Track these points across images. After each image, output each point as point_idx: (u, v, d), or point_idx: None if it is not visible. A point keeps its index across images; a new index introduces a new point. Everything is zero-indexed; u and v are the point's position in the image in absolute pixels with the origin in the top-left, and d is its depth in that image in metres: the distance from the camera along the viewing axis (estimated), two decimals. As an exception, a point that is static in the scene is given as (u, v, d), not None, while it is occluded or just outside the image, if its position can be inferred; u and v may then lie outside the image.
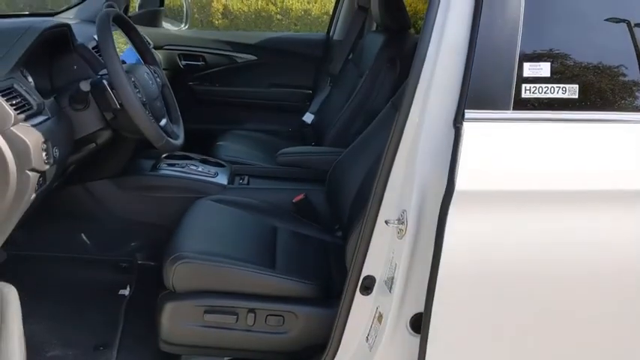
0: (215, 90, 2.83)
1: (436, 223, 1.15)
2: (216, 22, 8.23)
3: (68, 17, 2.46)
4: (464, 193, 1.13)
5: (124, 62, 1.76)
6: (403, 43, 2.29)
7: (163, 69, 2.72)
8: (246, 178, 2.06)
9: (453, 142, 1.15)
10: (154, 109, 1.56)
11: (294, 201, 1.91)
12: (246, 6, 8.23)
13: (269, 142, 2.60)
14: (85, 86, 1.41)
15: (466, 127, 1.15)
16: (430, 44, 1.17)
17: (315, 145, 2.67)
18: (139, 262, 1.91)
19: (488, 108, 1.17)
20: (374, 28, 2.76)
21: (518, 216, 1.17)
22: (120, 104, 1.43)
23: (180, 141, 1.63)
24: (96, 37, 1.80)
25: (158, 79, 1.69)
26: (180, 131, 1.70)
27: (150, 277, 1.73)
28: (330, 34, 2.90)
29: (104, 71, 1.53)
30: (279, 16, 8.18)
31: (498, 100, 1.17)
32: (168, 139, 1.52)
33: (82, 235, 1.91)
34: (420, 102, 1.18)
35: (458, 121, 1.16)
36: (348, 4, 2.78)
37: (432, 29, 1.16)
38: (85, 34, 1.79)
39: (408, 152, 1.21)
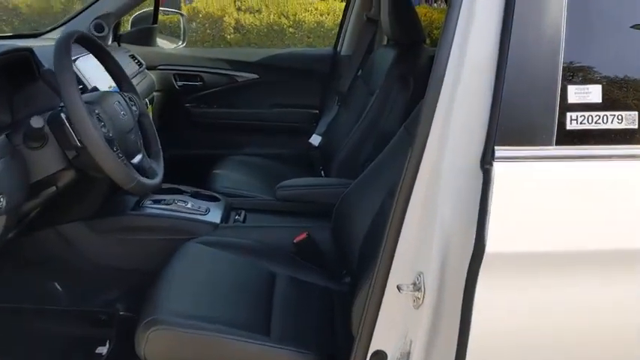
0: (213, 112, 2.61)
1: (462, 292, 0.90)
2: (228, 37, 8.16)
3: (54, 38, 2.29)
4: (497, 255, 0.88)
5: (95, 89, 1.55)
6: (417, 58, 2.06)
7: (157, 90, 2.54)
8: (243, 213, 1.84)
9: (482, 188, 0.90)
10: (126, 144, 1.34)
11: (295, 241, 1.67)
12: (258, 20, 8.15)
13: (272, 168, 2.37)
14: (36, 122, 1.19)
15: (497, 168, 0.90)
16: (449, 61, 0.93)
17: (322, 169, 2.45)
18: (120, 313, 1.69)
19: (524, 143, 0.93)
20: (384, 42, 2.53)
21: (567, 282, 0.92)
22: (81, 141, 1.21)
23: (157, 179, 1.41)
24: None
25: (134, 108, 1.47)
26: (159, 167, 1.48)
27: (132, 331, 1.49)
28: (338, 48, 2.66)
29: None
30: (291, 29, 8.07)
31: (537, 134, 0.93)
32: (142, 179, 1.29)
33: (55, 284, 1.69)
34: (437, 134, 0.94)
35: (486, 160, 0.91)
36: (356, 17, 2.55)
37: (452, 43, 0.93)
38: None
39: (425, 198, 0.96)
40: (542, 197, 0.92)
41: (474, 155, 0.93)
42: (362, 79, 2.37)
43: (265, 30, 8.11)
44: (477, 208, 0.90)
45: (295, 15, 8.12)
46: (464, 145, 0.94)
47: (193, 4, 8.71)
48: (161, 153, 1.54)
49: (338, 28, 2.69)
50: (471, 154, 0.93)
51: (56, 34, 2.29)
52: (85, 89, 1.56)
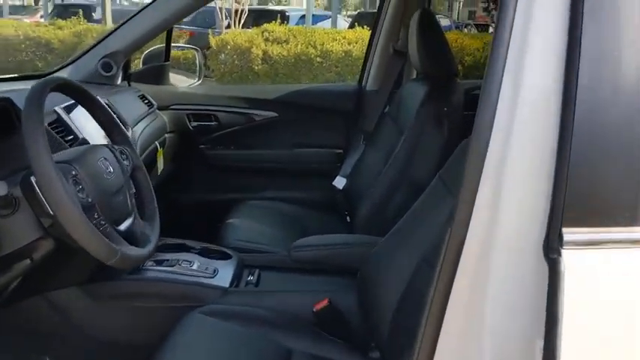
0: (229, 154, 2.43)
1: None
2: (256, 68, 8.17)
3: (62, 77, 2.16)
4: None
5: (84, 142, 1.38)
6: (450, 93, 1.84)
7: (169, 132, 2.37)
8: (257, 272, 1.63)
9: (549, 285, 0.67)
10: (112, 208, 1.15)
11: (315, 310, 1.45)
12: (285, 50, 8.15)
13: (293, 214, 2.17)
14: (0, 188, 1.01)
15: (567, 257, 0.67)
16: (499, 100, 0.70)
17: (348, 214, 2.23)
18: None
19: (603, 223, 0.69)
20: (413, 76, 2.32)
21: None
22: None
23: (147, 249, 1.21)
24: (56, 109, 1.44)
25: (126, 162, 1.28)
26: (153, 232, 1.28)
27: None
28: (363, 83, 2.46)
29: None
30: (319, 59, 8.01)
31: (622, 210, 0.69)
32: (127, 251, 1.09)
33: (46, 358, 1.50)
34: (484, 207, 0.72)
35: (552, 246, 0.68)
36: (382, 49, 2.35)
37: (502, 75, 0.71)
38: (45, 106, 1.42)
39: (469, 295, 0.73)
40: (632, 295, 0.69)
41: (534, 239, 0.70)
42: (390, 117, 2.15)
43: (293, 60, 8.08)
44: (545, 311, 0.67)
45: (323, 45, 8.08)
46: (520, 224, 0.71)
47: (221, 36, 8.75)
48: (157, 214, 1.34)
49: (362, 62, 2.49)
50: (530, 236, 0.70)
51: (64, 74, 2.16)
52: (74, 141, 1.39)
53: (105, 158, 1.19)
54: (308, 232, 2.03)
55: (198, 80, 2.56)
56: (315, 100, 2.45)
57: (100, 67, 2.13)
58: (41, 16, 12.65)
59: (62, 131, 1.40)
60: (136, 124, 1.96)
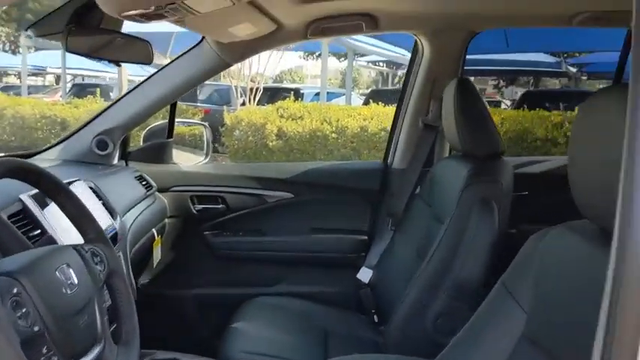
0: (238, 241, 2.13)
1: None
2: (271, 144, 8.08)
3: (49, 158, 1.93)
4: None
5: (49, 241, 1.10)
6: (497, 174, 1.55)
7: (170, 216, 2.10)
8: None
9: None
10: (71, 335, 0.85)
11: None
12: (300, 126, 8.08)
13: (310, 315, 1.84)
14: None
15: None
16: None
17: (375, 313, 1.90)
18: None
19: None
20: (446, 153, 2.06)
21: None
22: None
23: None
24: (22, 197, 1.17)
25: (99, 267, 0.99)
26: (131, 357, 0.96)
27: None
28: (389, 161, 2.19)
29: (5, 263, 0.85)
30: (334, 135, 7.90)
31: None
32: None
33: None
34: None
35: None
36: (410, 123, 2.09)
37: None
38: (8, 193, 1.15)
39: None
40: None
41: None
42: (422, 199, 1.86)
43: (308, 136, 7.99)
44: None
45: (338, 121, 8.01)
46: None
47: (236, 113, 8.74)
48: (137, 333, 1.03)
49: (388, 137, 2.23)
50: None
51: (52, 154, 1.93)
52: (38, 238, 1.11)
53: (68, 265, 0.90)
54: (329, 337, 1.70)
55: (205, 159, 2.31)
56: (335, 180, 2.18)
57: (94, 145, 1.91)
58: (61, 96, 12.89)
59: (27, 224, 1.13)
60: (129, 210, 1.70)
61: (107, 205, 1.49)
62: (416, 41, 2.03)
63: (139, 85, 1.94)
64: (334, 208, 2.14)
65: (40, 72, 16.60)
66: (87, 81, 15.17)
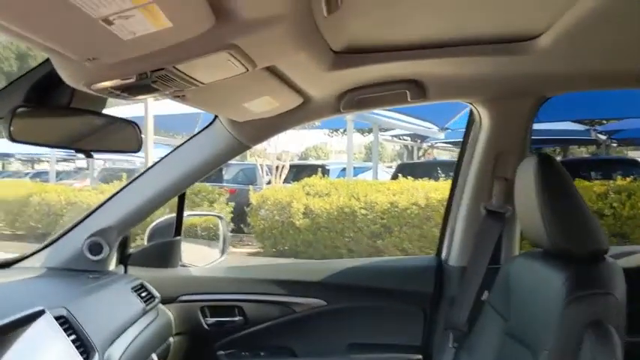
0: (260, 363, 1.72)
1: None
2: (297, 223, 7.85)
3: (32, 266, 1.59)
4: None
5: None
6: (607, 280, 1.14)
7: (177, 334, 1.71)
8: None
9: None
10: None
11: None
12: (327, 203, 7.86)
13: None
14: None
15: None
16: None
17: None
18: None
19: None
20: (516, 246, 1.66)
21: None
22: None
23: None
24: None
25: None
26: None
27: None
28: (443, 256, 1.79)
29: None
30: (363, 211, 7.62)
31: None
32: None
33: None
34: None
35: None
36: (469, 208, 1.70)
37: None
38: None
39: None
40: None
41: None
42: (492, 309, 1.44)
43: (335, 213, 7.72)
44: None
45: (366, 196, 7.75)
46: None
47: (262, 192, 8.57)
48: None
49: (441, 227, 1.83)
50: None
51: (37, 261, 1.60)
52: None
53: None
54: None
55: (222, 257, 1.94)
56: (378, 282, 1.77)
57: (86, 249, 1.58)
58: (90, 181, 12.93)
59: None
60: (119, 336, 1.32)
61: (83, 340, 1.12)
62: (471, 110, 1.68)
63: (140, 176, 1.63)
64: (378, 318, 1.73)
65: (70, 158, 16.82)
66: (117, 165, 15.24)
